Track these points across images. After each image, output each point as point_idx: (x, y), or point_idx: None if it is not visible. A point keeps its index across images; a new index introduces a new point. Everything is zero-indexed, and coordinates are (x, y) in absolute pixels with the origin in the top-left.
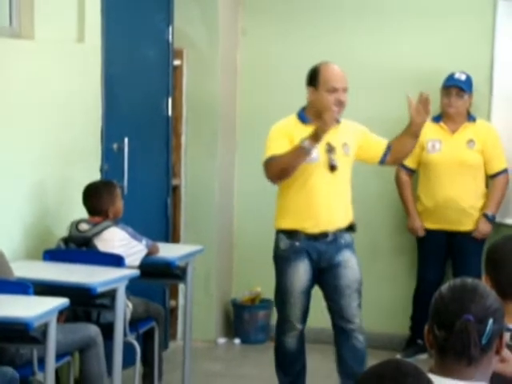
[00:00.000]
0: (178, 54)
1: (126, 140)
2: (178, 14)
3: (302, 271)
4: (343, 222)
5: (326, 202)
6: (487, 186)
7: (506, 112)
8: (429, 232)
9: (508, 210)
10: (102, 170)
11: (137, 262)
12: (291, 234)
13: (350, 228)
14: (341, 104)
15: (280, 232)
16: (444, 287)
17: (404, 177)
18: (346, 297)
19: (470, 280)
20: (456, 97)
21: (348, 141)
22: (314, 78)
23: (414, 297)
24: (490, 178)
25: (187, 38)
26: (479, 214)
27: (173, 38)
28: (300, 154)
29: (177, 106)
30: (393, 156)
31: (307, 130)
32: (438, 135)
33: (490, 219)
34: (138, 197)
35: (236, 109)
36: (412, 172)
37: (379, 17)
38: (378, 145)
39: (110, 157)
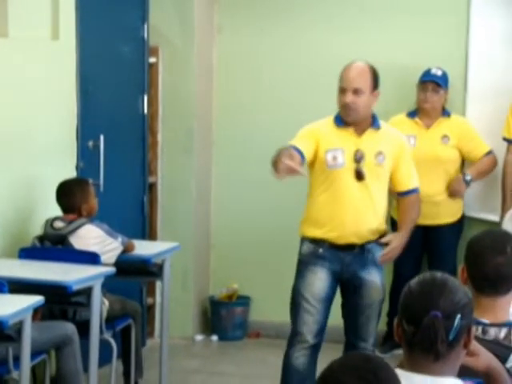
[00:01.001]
0: (154, 52)
1: (102, 137)
2: (153, 11)
3: (320, 277)
4: (373, 235)
5: (353, 213)
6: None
7: (480, 107)
8: None
9: (483, 205)
10: (77, 168)
11: (112, 260)
12: (315, 241)
13: (379, 240)
14: (346, 106)
15: (304, 238)
16: (413, 281)
17: None
18: (364, 316)
19: (439, 274)
20: (432, 92)
21: (384, 149)
22: None
23: (391, 292)
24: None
25: (162, 36)
26: (454, 207)
27: (148, 35)
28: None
29: (152, 103)
30: (398, 209)
31: (339, 133)
32: (413, 130)
33: (466, 180)
34: (115, 194)
35: (212, 106)
36: None
37: (357, 14)
38: (400, 179)
39: (85, 154)
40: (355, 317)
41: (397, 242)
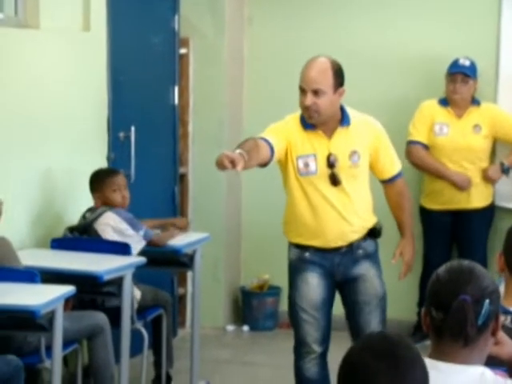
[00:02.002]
0: (184, 43)
1: (133, 129)
2: (184, 2)
3: (313, 284)
4: (359, 233)
5: (335, 221)
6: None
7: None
8: (433, 214)
9: None
10: (108, 159)
11: (135, 252)
12: (300, 246)
13: (372, 234)
14: (306, 109)
15: (290, 243)
16: (441, 269)
17: (423, 152)
18: (364, 314)
19: (466, 262)
20: (461, 83)
21: (359, 147)
22: None
23: (421, 282)
24: None
25: (193, 27)
26: (485, 193)
27: (179, 26)
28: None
29: (183, 94)
30: (388, 200)
31: (308, 136)
32: (446, 119)
33: (504, 169)
34: (146, 185)
35: (243, 97)
36: (427, 148)
37: (385, 3)
38: (383, 167)
39: (116, 145)
40: (355, 317)
41: (409, 253)
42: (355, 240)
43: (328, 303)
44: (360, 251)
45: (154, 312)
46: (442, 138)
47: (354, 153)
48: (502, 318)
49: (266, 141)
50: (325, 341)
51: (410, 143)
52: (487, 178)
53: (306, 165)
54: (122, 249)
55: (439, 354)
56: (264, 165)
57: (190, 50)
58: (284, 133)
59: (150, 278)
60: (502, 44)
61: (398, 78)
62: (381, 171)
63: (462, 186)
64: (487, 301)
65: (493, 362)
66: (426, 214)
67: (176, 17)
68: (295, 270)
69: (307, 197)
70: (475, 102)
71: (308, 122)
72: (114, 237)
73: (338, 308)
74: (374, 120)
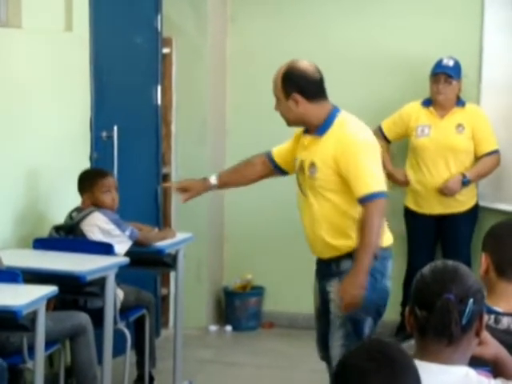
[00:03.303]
0: (167, 42)
1: (116, 128)
2: (166, 1)
3: (315, 294)
4: (332, 252)
5: (307, 229)
6: None
7: (494, 97)
8: (417, 217)
9: (497, 196)
10: (91, 159)
11: (122, 251)
12: None
13: (350, 255)
14: (279, 112)
15: None
16: (425, 269)
17: (380, 141)
18: (330, 336)
19: (450, 262)
20: (444, 84)
21: (318, 160)
22: None
23: (404, 283)
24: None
25: (176, 26)
26: (468, 196)
27: (161, 26)
28: None
29: (166, 94)
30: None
31: (301, 140)
32: (428, 120)
33: (464, 181)
34: (129, 185)
35: (226, 96)
36: (388, 142)
37: (368, 3)
38: (352, 186)
39: (99, 145)
40: (328, 328)
41: (347, 293)
42: (330, 256)
43: (322, 313)
44: (334, 267)
45: (137, 312)
46: (423, 139)
47: (312, 165)
48: (486, 317)
49: (267, 154)
50: (322, 349)
51: (378, 129)
52: (446, 190)
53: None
54: (106, 249)
55: (423, 354)
56: (268, 174)
57: (173, 50)
58: (295, 137)
59: (132, 279)
60: (485, 46)
61: (382, 78)
62: (352, 190)
63: (400, 183)
64: (471, 300)
65: (476, 363)
66: (410, 215)
67: (159, 16)
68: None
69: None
70: (460, 102)
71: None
72: (100, 237)
73: None
74: (351, 131)
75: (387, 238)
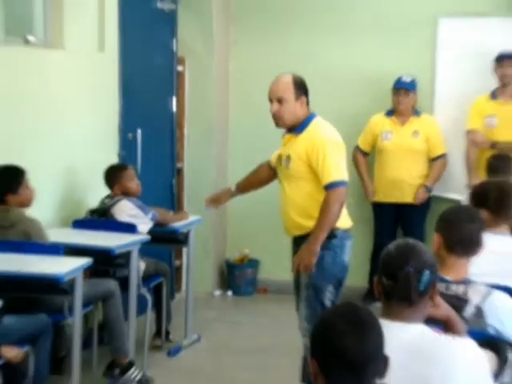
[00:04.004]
0: (181, 61)
1: (139, 131)
2: (181, 27)
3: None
4: (299, 231)
5: (281, 211)
6: (429, 167)
7: (445, 108)
8: (382, 205)
9: (446, 187)
10: (119, 156)
11: (145, 230)
12: None
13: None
14: (273, 116)
15: None
16: (391, 246)
17: (360, 158)
18: (300, 297)
19: (411, 240)
20: (404, 96)
21: (293, 153)
22: None
23: (371, 257)
24: (432, 161)
25: (188, 49)
26: (421, 187)
27: (177, 48)
28: None
29: (180, 103)
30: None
31: (284, 138)
32: (390, 127)
33: (428, 190)
34: (149, 177)
35: (228, 106)
36: (366, 154)
37: (346, 31)
38: (320, 176)
39: (125, 145)
40: (300, 300)
41: (298, 257)
42: (298, 235)
43: (297, 286)
44: (301, 245)
45: (156, 280)
46: (387, 142)
47: (287, 157)
48: (438, 285)
49: (268, 163)
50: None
51: (356, 148)
52: (418, 200)
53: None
54: (131, 229)
55: (388, 314)
56: (273, 178)
57: (186, 68)
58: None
59: (152, 252)
60: (438, 65)
61: (354, 91)
62: (320, 179)
63: (367, 193)
64: (427, 272)
65: (431, 322)
66: (376, 206)
67: (174, 40)
68: None
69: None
70: (416, 112)
71: (276, 127)
72: (127, 219)
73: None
74: (321, 132)
75: (346, 222)
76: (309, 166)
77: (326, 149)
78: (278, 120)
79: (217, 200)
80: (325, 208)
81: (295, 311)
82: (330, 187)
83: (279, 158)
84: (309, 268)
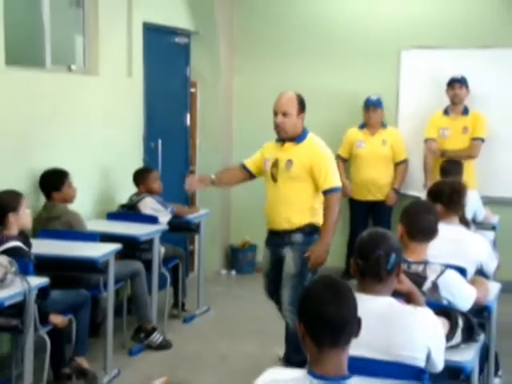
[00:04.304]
0: (193, 85)
1: (160, 140)
2: (193, 57)
3: (265, 256)
4: (288, 225)
5: (271, 206)
6: (394, 170)
7: (407, 121)
8: (356, 202)
9: (408, 186)
10: (143, 160)
11: (165, 221)
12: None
13: (300, 230)
14: (277, 126)
15: None
16: (364, 233)
17: (341, 164)
18: (283, 286)
19: (380, 229)
20: (373, 111)
21: (294, 158)
22: None
23: (348, 242)
24: (396, 165)
25: (199, 74)
26: (389, 188)
27: (190, 73)
28: None
29: (193, 119)
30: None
31: (274, 146)
32: (363, 137)
33: (397, 192)
34: (168, 178)
35: (232, 121)
36: (345, 161)
37: (330, 59)
38: (318, 182)
39: (149, 151)
40: (280, 287)
41: (315, 254)
42: (285, 228)
43: (269, 273)
44: (287, 239)
45: (174, 261)
46: (360, 149)
47: (289, 161)
48: (402, 265)
49: (242, 164)
50: (270, 297)
51: (337, 156)
52: (389, 201)
53: (266, 165)
54: (153, 220)
55: (362, 289)
56: (246, 178)
57: (197, 90)
58: (262, 148)
59: (171, 239)
60: (401, 86)
61: (332, 108)
62: (317, 184)
63: (344, 191)
64: (394, 254)
65: (396, 295)
66: (352, 202)
67: (188, 67)
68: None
69: (265, 187)
70: (383, 125)
71: (278, 137)
72: (151, 212)
73: None
74: (320, 147)
75: (322, 219)
76: (308, 173)
77: (326, 160)
78: (280, 130)
79: (200, 179)
80: (329, 210)
81: (266, 294)
82: (330, 192)
83: (275, 161)
84: (323, 264)
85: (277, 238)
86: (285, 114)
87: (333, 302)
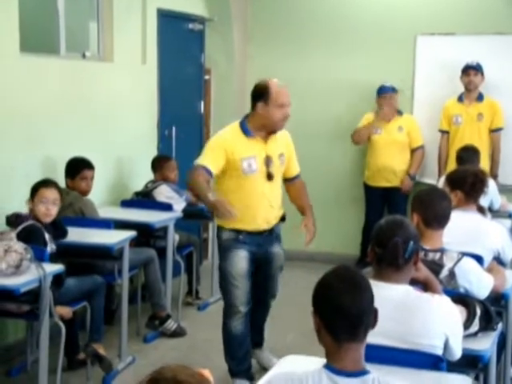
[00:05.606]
0: (208, 72)
1: (174, 128)
2: (208, 44)
3: (243, 257)
4: (276, 219)
5: (265, 208)
6: (411, 157)
7: (422, 109)
8: (372, 188)
9: (424, 174)
10: (158, 148)
11: (179, 208)
12: (235, 230)
13: (282, 219)
14: (287, 118)
15: (223, 228)
16: (382, 221)
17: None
18: (274, 278)
19: (398, 216)
20: (389, 99)
21: (284, 150)
22: (263, 93)
23: (363, 230)
24: (413, 151)
25: (213, 62)
26: (404, 174)
27: (204, 61)
28: (202, 199)
29: (207, 106)
30: (291, 192)
31: (249, 142)
32: (379, 124)
33: (412, 178)
34: (182, 165)
35: (245, 107)
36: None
37: (343, 47)
38: (291, 167)
39: (163, 139)
40: (268, 281)
41: (311, 225)
42: (274, 224)
43: (251, 274)
44: (274, 234)
45: (188, 249)
46: (377, 136)
47: (281, 155)
48: (420, 253)
49: (206, 169)
50: (249, 303)
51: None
52: (405, 188)
53: (250, 165)
54: (168, 207)
55: (379, 277)
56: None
57: (212, 77)
58: (222, 148)
59: (185, 227)
60: (417, 74)
61: (347, 97)
62: (290, 170)
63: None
64: (411, 242)
65: (414, 283)
66: (367, 188)
67: (202, 55)
68: (229, 247)
69: (243, 190)
70: (399, 112)
71: (249, 130)
72: (165, 200)
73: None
74: (286, 132)
75: None
76: (288, 161)
77: (292, 145)
78: (285, 123)
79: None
80: (305, 191)
81: (243, 303)
82: (299, 176)
83: (267, 157)
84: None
85: (265, 237)
86: (290, 105)
87: (349, 292)
